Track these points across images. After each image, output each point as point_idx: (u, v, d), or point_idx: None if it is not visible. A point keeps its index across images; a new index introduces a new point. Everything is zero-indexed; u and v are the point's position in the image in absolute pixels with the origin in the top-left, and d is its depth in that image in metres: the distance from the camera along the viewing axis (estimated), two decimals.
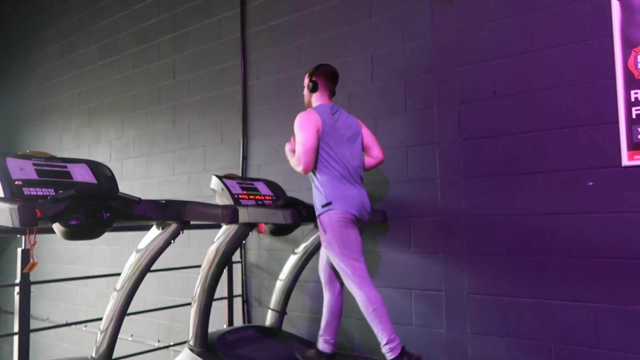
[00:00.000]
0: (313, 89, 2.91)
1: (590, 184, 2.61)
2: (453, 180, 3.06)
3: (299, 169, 2.74)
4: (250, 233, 3.04)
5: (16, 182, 1.99)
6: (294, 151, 2.86)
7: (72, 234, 2.02)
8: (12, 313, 2.67)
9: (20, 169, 2.06)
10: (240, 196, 3.12)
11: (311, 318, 3.67)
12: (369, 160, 2.98)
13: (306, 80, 2.96)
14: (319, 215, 2.76)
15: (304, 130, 2.73)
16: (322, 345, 2.88)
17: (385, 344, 2.56)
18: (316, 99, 2.92)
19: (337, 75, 2.97)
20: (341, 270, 2.72)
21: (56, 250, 5.78)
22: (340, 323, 2.92)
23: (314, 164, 2.76)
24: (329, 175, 2.75)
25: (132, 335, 4.73)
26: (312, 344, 3.40)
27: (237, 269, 4.07)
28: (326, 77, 2.92)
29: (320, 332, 2.90)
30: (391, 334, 2.57)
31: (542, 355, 2.70)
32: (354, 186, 2.79)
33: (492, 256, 2.90)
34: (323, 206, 2.73)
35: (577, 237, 2.64)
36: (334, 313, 2.88)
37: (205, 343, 2.96)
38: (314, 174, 2.81)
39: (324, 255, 2.89)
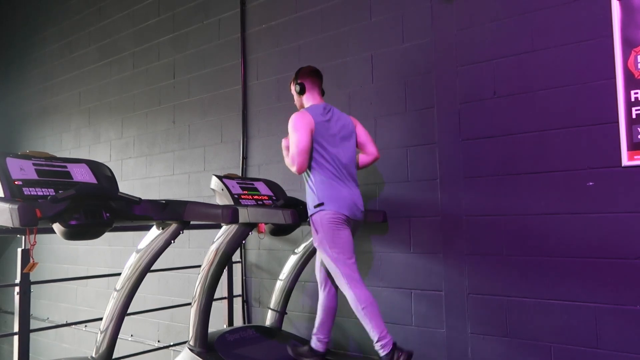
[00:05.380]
0: (301, 91, 2.95)
1: (590, 184, 2.61)
2: (453, 180, 3.06)
3: (293, 169, 2.78)
4: (250, 233, 3.04)
5: (16, 182, 1.99)
6: (288, 148, 2.88)
7: (72, 234, 2.02)
8: (12, 313, 2.67)
9: (20, 169, 2.06)
10: (240, 196, 3.12)
11: (311, 318, 3.66)
12: (363, 158, 3.01)
13: (292, 87, 3.01)
14: (311, 215, 2.80)
15: (297, 131, 2.76)
16: (315, 343, 2.93)
17: (377, 341, 2.59)
18: (307, 100, 2.95)
19: (320, 72, 3.01)
20: (332, 270, 2.76)
21: (56, 250, 5.78)
22: (334, 322, 2.96)
23: (308, 165, 2.79)
24: (322, 175, 2.78)
25: (132, 335, 4.73)
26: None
27: (237, 269, 4.07)
28: (310, 76, 2.96)
29: (315, 330, 2.94)
30: (382, 332, 2.60)
31: (542, 355, 2.70)
32: (346, 186, 2.81)
33: (492, 256, 2.90)
34: (315, 206, 2.76)
35: (577, 237, 2.64)
36: (329, 313, 2.92)
37: (205, 343, 2.96)
38: (308, 174, 2.85)
39: (320, 255, 2.90)
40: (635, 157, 2.49)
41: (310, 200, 2.82)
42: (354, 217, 2.80)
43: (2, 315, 6.41)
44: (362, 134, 2.99)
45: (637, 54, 2.50)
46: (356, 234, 2.90)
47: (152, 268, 2.56)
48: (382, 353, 2.57)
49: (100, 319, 2.58)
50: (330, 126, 2.84)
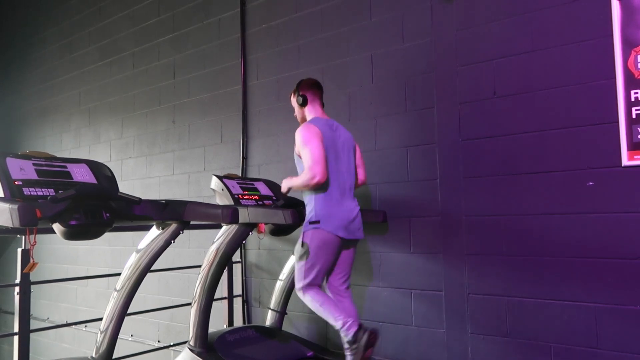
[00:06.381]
0: (303, 102, 2.91)
1: (590, 184, 2.61)
2: (453, 180, 3.06)
3: (314, 181, 2.62)
4: (250, 233, 3.04)
5: (16, 182, 1.99)
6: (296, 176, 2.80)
7: (72, 234, 2.02)
8: (12, 313, 2.67)
9: (20, 169, 2.06)
10: (240, 196, 3.12)
11: (311, 318, 3.67)
12: None
13: (293, 99, 2.97)
14: (304, 231, 2.72)
15: (309, 142, 2.68)
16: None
17: (342, 328, 2.56)
18: (309, 112, 2.91)
19: (321, 84, 2.98)
20: (297, 281, 2.72)
21: (56, 250, 5.78)
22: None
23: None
24: (323, 190, 2.72)
25: (132, 335, 4.74)
26: (312, 344, 3.41)
27: (237, 269, 4.07)
28: (311, 88, 2.93)
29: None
30: (346, 317, 2.57)
31: (542, 355, 2.70)
32: (346, 203, 2.76)
33: (492, 256, 2.90)
34: (311, 223, 2.70)
35: (577, 237, 2.64)
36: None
37: (205, 343, 2.96)
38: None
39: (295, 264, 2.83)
40: (635, 157, 2.49)
41: (307, 214, 2.75)
42: (351, 237, 2.74)
43: (2, 315, 6.41)
44: (357, 155, 2.99)
45: (637, 54, 2.50)
46: (354, 251, 2.88)
47: (152, 268, 2.56)
48: (348, 335, 2.52)
49: (100, 319, 2.59)
50: (335, 139, 2.80)
